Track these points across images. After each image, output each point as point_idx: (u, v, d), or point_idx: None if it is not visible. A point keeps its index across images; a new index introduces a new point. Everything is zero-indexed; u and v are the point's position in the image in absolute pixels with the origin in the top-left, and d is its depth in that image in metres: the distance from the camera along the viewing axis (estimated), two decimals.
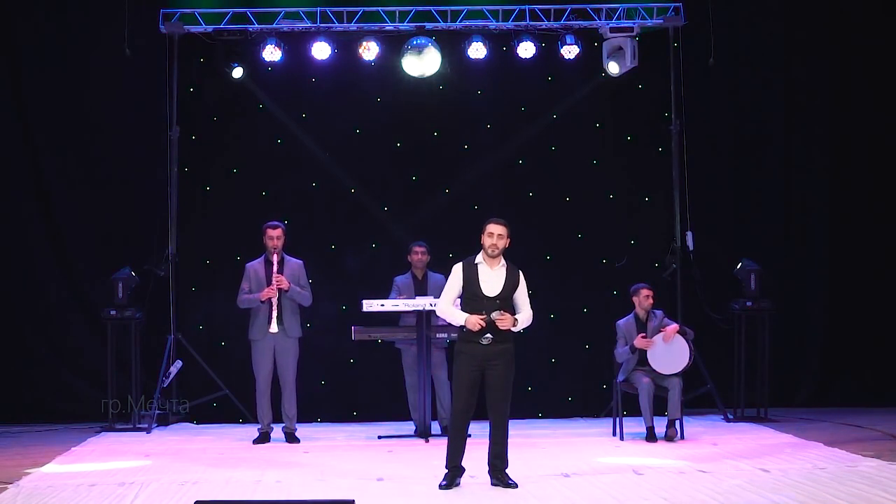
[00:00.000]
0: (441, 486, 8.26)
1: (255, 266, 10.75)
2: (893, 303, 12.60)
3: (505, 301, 8.30)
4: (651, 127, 12.35)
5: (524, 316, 8.37)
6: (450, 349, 11.01)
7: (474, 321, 8.19)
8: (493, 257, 8.33)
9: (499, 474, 8.34)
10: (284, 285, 10.55)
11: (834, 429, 10.94)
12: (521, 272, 8.43)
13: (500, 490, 8.23)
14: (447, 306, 8.43)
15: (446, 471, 8.36)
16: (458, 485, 8.33)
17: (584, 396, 12.20)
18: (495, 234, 8.31)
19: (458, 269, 8.40)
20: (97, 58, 12.02)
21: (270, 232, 10.65)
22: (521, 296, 8.41)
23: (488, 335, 8.21)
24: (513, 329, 8.30)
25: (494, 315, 8.18)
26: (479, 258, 8.38)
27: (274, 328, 10.54)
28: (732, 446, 9.96)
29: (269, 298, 10.51)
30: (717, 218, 12.42)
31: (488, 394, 8.36)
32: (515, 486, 8.25)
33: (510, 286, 8.33)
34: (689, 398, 11.25)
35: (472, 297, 8.32)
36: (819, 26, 12.60)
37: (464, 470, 8.40)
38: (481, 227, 8.39)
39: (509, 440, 8.50)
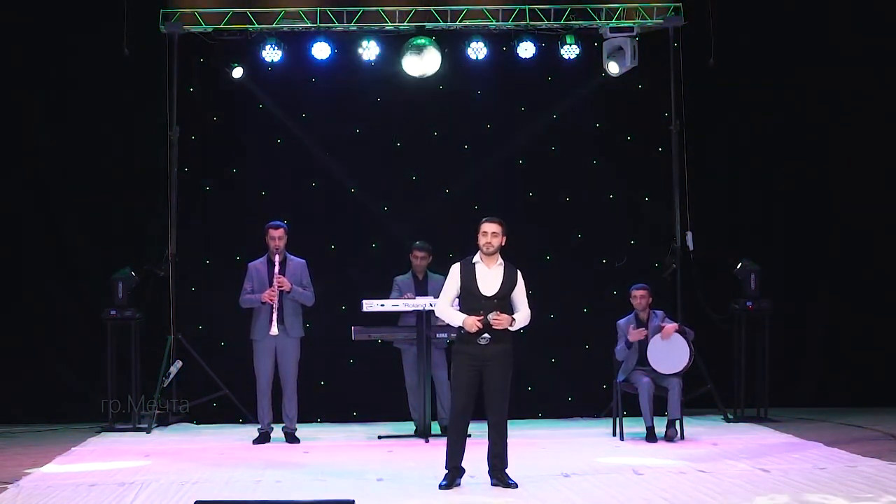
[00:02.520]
0: (441, 487, 8.24)
1: (258, 266, 10.75)
2: (893, 303, 12.60)
3: (502, 300, 8.31)
4: (651, 127, 12.35)
5: (522, 315, 8.38)
6: (450, 349, 11.01)
7: (472, 322, 8.19)
8: (489, 255, 8.35)
9: (499, 474, 8.32)
10: (286, 287, 10.54)
11: (834, 429, 10.94)
12: (519, 272, 8.44)
13: (500, 490, 8.22)
14: (446, 307, 8.44)
15: (446, 471, 8.34)
16: (458, 485, 8.31)
17: (584, 396, 12.20)
18: (489, 232, 8.35)
19: (455, 269, 8.42)
20: (97, 58, 12.01)
21: (273, 232, 10.65)
22: (520, 295, 8.41)
23: (486, 335, 8.21)
24: (510, 328, 8.30)
25: (491, 316, 8.17)
26: (477, 258, 8.40)
27: (275, 330, 10.52)
28: (732, 446, 9.95)
29: (271, 300, 10.50)
30: (717, 218, 12.42)
31: (486, 394, 8.35)
32: (515, 486, 8.24)
33: (508, 285, 8.34)
34: (689, 398, 11.24)
35: (469, 297, 8.33)
36: (819, 26, 12.59)
37: (464, 471, 8.37)
38: (476, 227, 8.42)
39: (509, 440, 8.49)
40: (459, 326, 8.29)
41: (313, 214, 12.17)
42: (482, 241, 8.35)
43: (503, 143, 12.34)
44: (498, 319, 8.18)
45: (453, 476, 8.32)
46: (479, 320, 8.18)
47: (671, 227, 12.10)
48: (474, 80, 12.30)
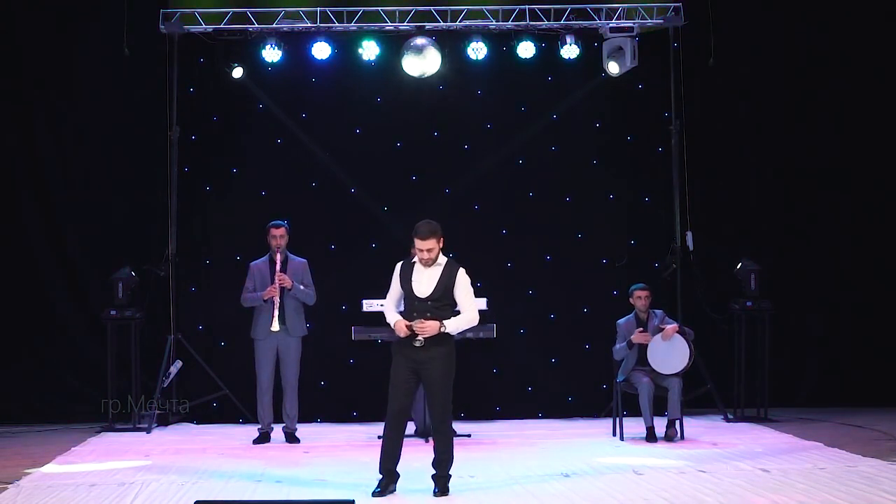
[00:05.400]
0: (374, 494, 7.98)
1: (259, 265, 10.76)
2: (893, 302, 12.60)
3: (438, 302, 7.99)
4: (651, 127, 12.35)
5: (464, 318, 8.04)
6: None
7: (400, 327, 7.99)
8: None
9: (438, 482, 8.07)
10: (287, 283, 10.54)
11: (834, 429, 10.94)
12: (461, 270, 8.09)
13: (499, 491, 8.19)
14: (387, 306, 8.22)
15: (380, 476, 8.10)
16: (392, 491, 8.07)
17: (584, 396, 12.19)
18: (424, 249, 7.98)
19: (397, 269, 8.20)
20: (97, 58, 12.02)
21: (274, 231, 10.67)
22: (461, 296, 8.05)
23: (419, 338, 7.96)
24: (450, 333, 8.01)
25: (415, 325, 7.93)
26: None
27: (275, 326, 10.52)
28: (732, 446, 9.95)
29: (272, 297, 10.51)
30: (717, 218, 12.42)
31: (427, 397, 8.15)
32: (437, 495, 7.96)
33: (443, 286, 8.01)
34: (689, 398, 11.25)
35: (407, 298, 8.09)
36: (819, 26, 12.60)
37: (398, 475, 8.15)
38: (412, 234, 8.04)
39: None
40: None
41: (313, 214, 12.17)
42: (418, 255, 8.04)
43: (503, 143, 12.34)
44: (422, 327, 7.92)
45: (388, 482, 8.09)
46: (407, 325, 7.96)
47: (671, 227, 12.11)
48: (474, 80, 12.30)
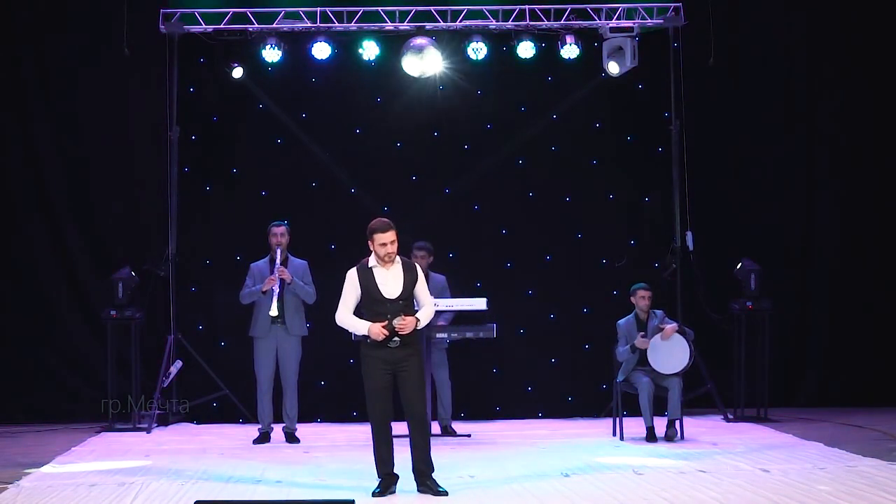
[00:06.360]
0: (374, 494, 7.98)
1: (260, 265, 10.76)
2: (893, 302, 12.60)
3: (407, 300, 8.03)
4: (651, 127, 12.35)
5: (426, 312, 8.13)
6: (450, 349, 11.02)
7: (377, 331, 7.91)
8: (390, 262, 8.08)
9: (426, 480, 8.05)
10: (286, 276, 10.53)
11: (834, 429, 10.94)
12: (418, 266, 8.19)
13: (499, 491, 8.19)
14: (347, 316, 8.14)
15: (379, 479, 8.07)
16: (392, 492, 8.05)
17: (584, 396, 12.19)
18: (387, 242, 7.96)
19: (352, 276, 8.10)
20: (97, 58, 12.02)
21: (275, 230, 10.68)
22: (421, 291, 8.11)
23: (395, 339, 7.95)
24: (419, 328, 8.07)
25: (396, 323, 7.89)
26: (373, 261, 8.06)
27: (274, 311, 10.44)
28: (732, 446, 9.95)
29: (271, 288, 10.48)
30: (717, 218, 12.42)
31: (406, 396, 8.07)
32: (446, 493, 7.95)
33: (410, 284, 8.03)
34: (689, 398, 11.25)
35: (373, 302, 8.02)
36: (819, 26, 12.60)
37: (398, 477, 8.13)
38: (368, 234, 8.02)
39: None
40: (365, 335, 8.01)
41: (313, 214, 12.17)
42: (381, 251, 7.96)
43: (503, 143, 12.34)
44: (404, 324, 7.91)
45: (387, 483, 8.07)
46: (383, 327, 7.92)
47: (671, 227, 12.11)
48: (474, 80, 12.29)
